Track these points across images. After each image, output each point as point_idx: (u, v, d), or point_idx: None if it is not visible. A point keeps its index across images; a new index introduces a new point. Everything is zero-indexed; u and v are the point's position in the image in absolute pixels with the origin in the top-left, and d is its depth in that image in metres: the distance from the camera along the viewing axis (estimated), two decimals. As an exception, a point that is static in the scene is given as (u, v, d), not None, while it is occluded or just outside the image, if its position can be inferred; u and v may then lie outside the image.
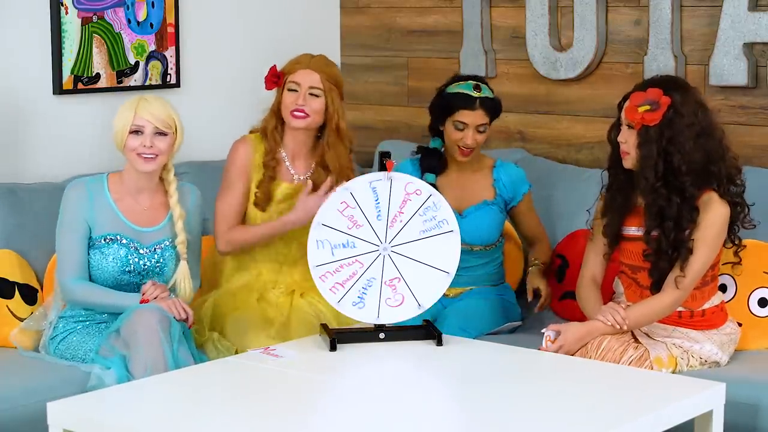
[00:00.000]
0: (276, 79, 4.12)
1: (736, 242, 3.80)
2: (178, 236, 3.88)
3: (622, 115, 3.72)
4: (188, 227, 3.92)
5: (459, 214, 4.18)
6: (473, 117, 4.18)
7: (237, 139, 4.18)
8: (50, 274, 4.02)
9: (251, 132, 4.22)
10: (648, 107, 3.63)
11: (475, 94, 4.19)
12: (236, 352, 3.87)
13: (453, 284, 4.00)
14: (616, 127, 3.78)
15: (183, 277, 3.88)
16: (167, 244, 3.88)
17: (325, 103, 4.07)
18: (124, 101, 3.89)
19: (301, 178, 4.15)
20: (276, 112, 4.14)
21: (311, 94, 4.07)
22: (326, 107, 4.08)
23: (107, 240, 3.82)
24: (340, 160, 4.12)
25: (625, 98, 3.75)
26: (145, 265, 3.84)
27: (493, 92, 4.25)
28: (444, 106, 4.22)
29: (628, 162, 3.72)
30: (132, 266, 3.83)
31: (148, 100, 3.83)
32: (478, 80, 4.26)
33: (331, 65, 4.15)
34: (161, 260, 3.86)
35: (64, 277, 3.81)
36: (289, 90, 4.08)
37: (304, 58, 4.13)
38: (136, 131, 3.80)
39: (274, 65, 4.15)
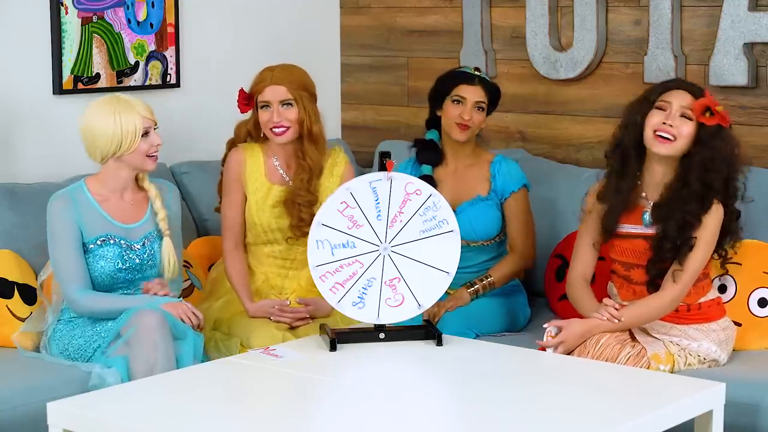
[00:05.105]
0: (247, 101, 4.14)
1: (723, 254, 3.83)
2: (158, 214, 3.90)
3: (681, 104, 3.70)
4: (170, 222, 3.94)
5: (453, 210, 4.18)
6: (472, 92, 4.22)
7: (232, 149, 4.20)
8: (49, 276, 4.01)
9: (236, 133, 4.24)
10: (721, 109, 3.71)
11: (475, 73, 4.26)
12: (240, 350, 3.88)
13: (458, 284, 4.02)
14: (642, 110, 3.76)
15: (167, 253, 3.90)
16: (155, 235, 3.91)
17: (298, 110, 4.09)
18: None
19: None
20: (255, 129, 4.17)
21: (285, 106, 4.08)
22: (298, 114, 4.10)
23: (100, 242, 3.82)
24: (314, 163, 4.12)
25: (663, 86, 3.76)
26: (137, 259, 3.86)
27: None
28: (444, 84, 4.26)
29: (668, 149, 3.70)
30: (126, 263, 3.84)
31: (130, 100, 3.83)
32: (478, 69, 4.31)
33: (294, 72, 4.14)
34: (151, 252, 3.89)
35: (70, 291, 3.79)
36: (262, 108, 4.11)
37: (267, 74, 4.12)
38: (146, 132, 3.81)
39: (242, 89, 4.15)
